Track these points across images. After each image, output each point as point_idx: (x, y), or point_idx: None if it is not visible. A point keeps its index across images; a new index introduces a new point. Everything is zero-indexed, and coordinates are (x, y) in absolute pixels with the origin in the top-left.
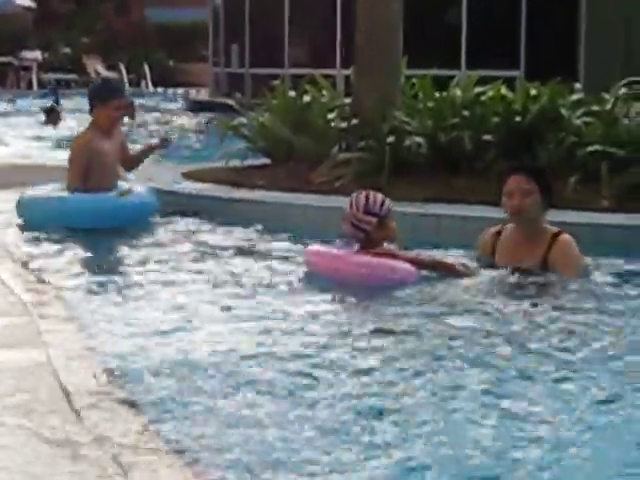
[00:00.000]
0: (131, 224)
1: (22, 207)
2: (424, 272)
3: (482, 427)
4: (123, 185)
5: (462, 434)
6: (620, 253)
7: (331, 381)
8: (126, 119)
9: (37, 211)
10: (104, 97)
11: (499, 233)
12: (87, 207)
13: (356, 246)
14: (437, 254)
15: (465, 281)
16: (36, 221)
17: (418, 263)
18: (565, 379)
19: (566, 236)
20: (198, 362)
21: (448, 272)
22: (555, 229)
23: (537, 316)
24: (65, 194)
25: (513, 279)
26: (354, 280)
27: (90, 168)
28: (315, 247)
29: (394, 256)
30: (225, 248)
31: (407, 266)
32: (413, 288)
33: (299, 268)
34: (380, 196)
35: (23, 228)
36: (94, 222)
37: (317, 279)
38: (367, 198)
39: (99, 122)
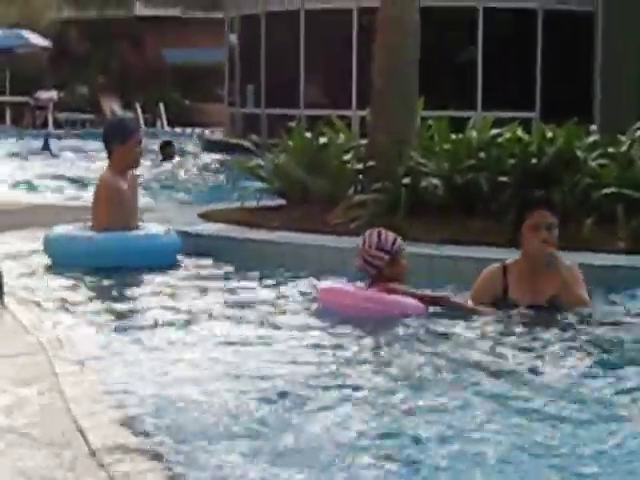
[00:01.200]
0: (155, 264)
1: (50, 245)
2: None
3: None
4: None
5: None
6: (636, 294)
7: (346, 414)
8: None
9: (66, 250)
10: (125, 136)
11: (504, 269)
12: (117, 246)
13: (368, 282)
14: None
15: (488, 318)
16: (64, 260)
17: (427, 300)
18: (588, 420)
19: (570, 263)
20: (215, 402)
21: (458, 309)
22: None
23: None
24: (94, 233)
25: (542, 314)
26: (364, 315)
27: (116, 208)
28: (327, 284)
29: (403, 293)
30: (241, 288)
31: (415, 302)
32: (424, 322)
33: (314, 306)
34: (392, 234)
35: (48, 267)
36: (122, 261)
37: (330, 315)
38: (379, 235)
39: (121, 161)
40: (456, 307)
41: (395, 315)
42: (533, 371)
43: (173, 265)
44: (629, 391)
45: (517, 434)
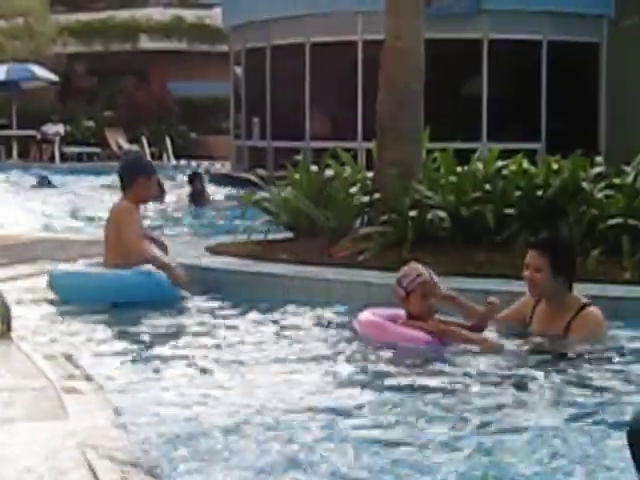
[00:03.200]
0: (160, 299)
1: (56, 282)
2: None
3: None
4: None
5: None
6: None
7: (365, 445)
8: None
9: (73, 286)
10: (149, 171)
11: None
12: (124, 283)
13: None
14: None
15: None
16: (71, 296)
17: (447, 336)
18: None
19: (592, 308)
20: (229, 435)
21: (477, 345)
22: (585, 301)
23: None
24: (102, 269)
25: (538, 347)
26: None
27: (135, 235)
28: (366, 315)
29: (423, 328)
30: (249, 322)
31: (425, 337)
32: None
33: (326, 338)
34: (417, 270)
35: (55, 300)
36: (127, 297)
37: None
38: (407, 270)
39: (141, 193)
40: (477, 344)
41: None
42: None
43: (175, 301)
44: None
45: None
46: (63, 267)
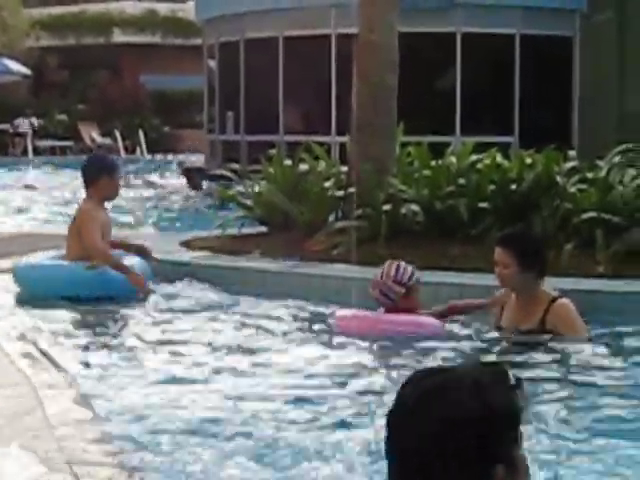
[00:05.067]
0: (124, 294)
1: (22, 276)
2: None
3: None
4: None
5: None
6: (616, 319)
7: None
8: None
9: (40, 280)
10: (112, 170)
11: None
12: (89, 277)
13: (383, 311)
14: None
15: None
16: (33, 289)
17: (439, 316)
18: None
19: (563, 300)
20: (201, 428)
21: (468, 310)
22: (555, 294)
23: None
24: (67, 263)
25: (512, 339)
26: (384, 337)
27: (98, 237)
28: (345, 312)
29: (417, 313)
30: (223, 315)
31: (434, 320)
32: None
33: (299, 332)
34: (410, 267)
35: (29, 297)
36: (92, 291)
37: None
38: (397, 268)
39: (104, 193)
40: (469, 309)
41: (414, 334)
42: None
43: (138, 295)
44: None
45: None
46: (27, 261)
